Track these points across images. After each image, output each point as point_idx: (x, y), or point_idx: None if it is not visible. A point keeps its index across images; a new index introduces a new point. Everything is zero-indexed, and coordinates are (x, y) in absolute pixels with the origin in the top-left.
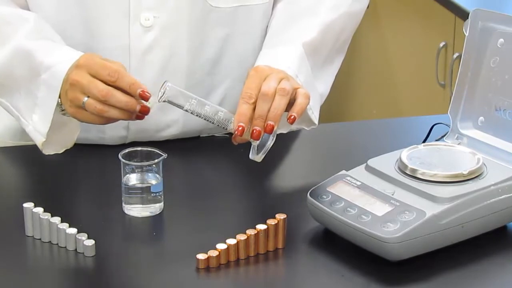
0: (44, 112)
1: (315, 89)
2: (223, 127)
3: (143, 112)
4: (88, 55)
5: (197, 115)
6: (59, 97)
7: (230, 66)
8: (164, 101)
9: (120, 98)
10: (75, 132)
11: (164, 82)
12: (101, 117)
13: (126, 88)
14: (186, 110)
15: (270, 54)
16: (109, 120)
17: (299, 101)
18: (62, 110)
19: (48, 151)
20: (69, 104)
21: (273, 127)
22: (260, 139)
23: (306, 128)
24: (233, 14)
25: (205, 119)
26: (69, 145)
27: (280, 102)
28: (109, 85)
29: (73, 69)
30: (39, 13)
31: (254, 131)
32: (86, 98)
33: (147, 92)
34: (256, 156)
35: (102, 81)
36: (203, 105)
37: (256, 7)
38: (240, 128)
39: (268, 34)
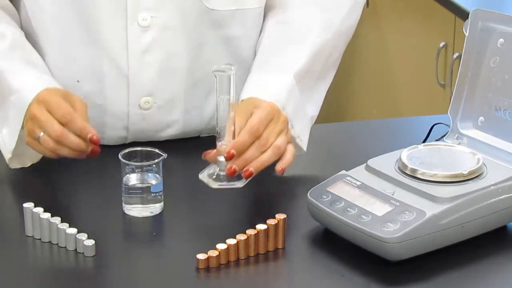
0: (11, 131)
1: (305, 114)
2: (216, 136)
3: (94, 153)
4: (49, 90)
5: (216, 108)
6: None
7: None
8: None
9: (72, 140)
10: None
11: (232, 66)
12: (53, 153)
13: (76, 133)
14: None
15: (260, 83)
16: (61, 156)
17: (288, 157)
18: None
19: (14, 165)
20: (26, 133)
21: (251, 174)
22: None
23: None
24: (230, 17)
25: (216, 115)
26: (36, 160)
27: (270, 158)
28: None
29: (34, 102)
30: (37, 14)
31: (232, 168)
32: (42, 134)
33: (96, 136)
34: (211, 181)
35: (57, 119)
36: (226, 107)
37: (253, 10)
38: (231, 153)
39: (258, 55)
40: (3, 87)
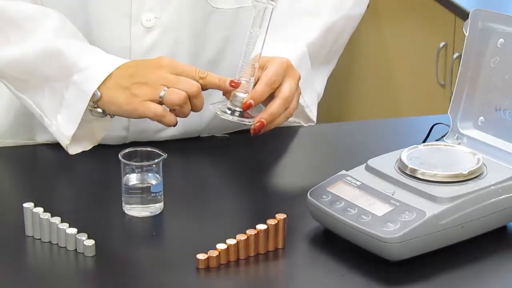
0: (71, 114)
1: (313, 87)
2: (238, 70)
3: (234, 87)
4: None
5: (246, 41)
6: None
7: (231, 68)
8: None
9: (202, 98)
10: (103, 130)
11: (273, 1)
12: (165, 115)
13: (215, 82)
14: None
15: (271, 49)
16: (172, 116)
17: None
18: (94, 108)
19: (74, 150)
20: (140, 95)
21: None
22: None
23: (303, 124)
24: (234, 16)
25: (244, 48)
26: (96, 142)
27: (285, 117)
28: None
29: (156, 68)
30: None
31: (259, 123)
32: (163, 91)
33: (236, 80)
34: (222, 113)
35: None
36: (253, 41)
37: None
38: (248, 103)
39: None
40: (63, 66)
